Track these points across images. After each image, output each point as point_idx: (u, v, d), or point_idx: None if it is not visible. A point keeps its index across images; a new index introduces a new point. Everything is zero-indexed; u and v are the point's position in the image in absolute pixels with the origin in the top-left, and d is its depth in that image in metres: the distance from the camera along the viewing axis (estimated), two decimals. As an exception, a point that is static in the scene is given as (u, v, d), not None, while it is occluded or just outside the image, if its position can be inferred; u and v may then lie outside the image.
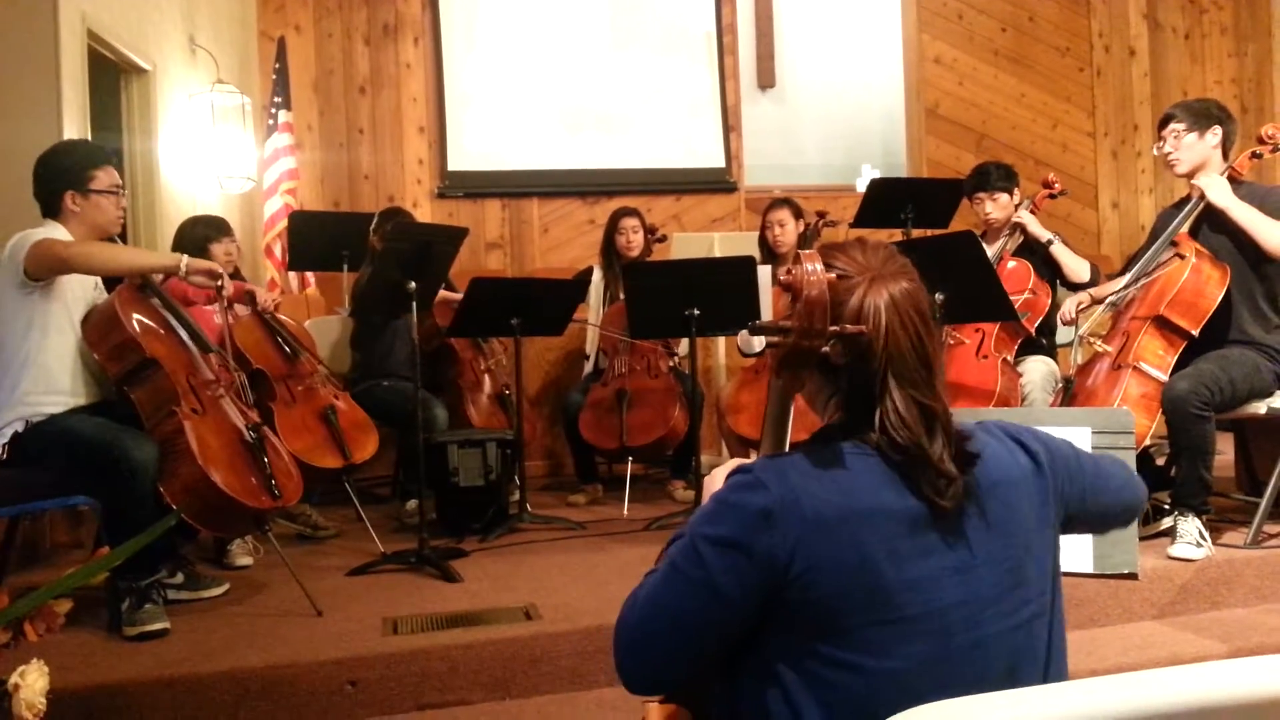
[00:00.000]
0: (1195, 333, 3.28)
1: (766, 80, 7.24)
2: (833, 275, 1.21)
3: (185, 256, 2.95)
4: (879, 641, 1.12)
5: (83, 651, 2.63)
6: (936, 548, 1.15)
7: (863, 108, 7.43)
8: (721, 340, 5.04)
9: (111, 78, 4.62)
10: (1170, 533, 3.16)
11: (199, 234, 3.86)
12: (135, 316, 2.97)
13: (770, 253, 4.63)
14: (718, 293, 3.82)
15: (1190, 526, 3.11)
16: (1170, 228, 3.47)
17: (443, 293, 4.11)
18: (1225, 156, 3.43)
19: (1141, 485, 1.44)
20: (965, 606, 1.15)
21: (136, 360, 2.93)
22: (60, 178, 2.93)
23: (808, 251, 1.22)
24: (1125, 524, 1.44)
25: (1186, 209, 3.45)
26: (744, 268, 3.86)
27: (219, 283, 2.98)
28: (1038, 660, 1.20)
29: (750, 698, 1.17)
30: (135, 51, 4.59)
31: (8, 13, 3.70)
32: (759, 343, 1.32)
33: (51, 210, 2.94)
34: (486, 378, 4.61)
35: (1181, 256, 3.35)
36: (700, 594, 1.16)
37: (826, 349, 1.18)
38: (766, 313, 4.02)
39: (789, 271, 1.20)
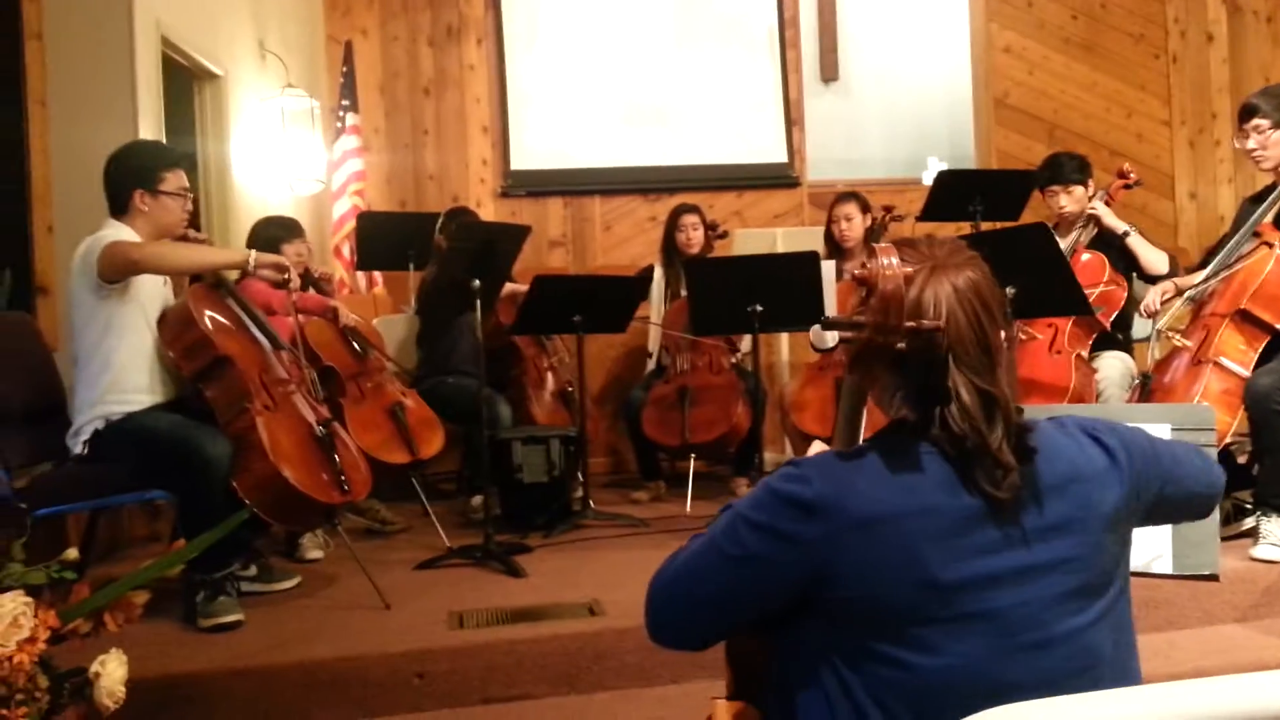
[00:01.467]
0: (1279, 327, 3.16)
1: (829, 73, 7.16)
2: (907, 269, 1.19)
3: (254, 252, 3.00)
4: (932, 639, 1.11)
5: (159, 642, 2.70)
6: (996, 546, 1.13)
7: (928, 99, 7.30)
8: (785, 336, 5.00)
9: (185, 83, 4.74)
10: (1253, 533, 3.06)
11: (271, 234, 3.94)
12: (209, 314, 3.03)
13: (837, 247, 4.57)
14: (781, 289, 3.79)
15: (1274, 527, 3.01)
16: (1253, 218, 3.35)
17: (508, 286, 4.13)
18: (1312, 143, 3.30)
19: (1220, 471, 1.39)
20: (1026, 606, 1.13)
21: (210, 358, 2.99)
22: (131, 176, 2.98)
23: (883, 245, 1.20)
24: (1204, 513, 1.39)
25: (1271, 198, 3.33)
26: (807, 263, 3.83)
27: (285, 275, 3.01)
28: (1104, 661, 1.17)
29: (810, 695, 1.17)
30: (208, 57, 4.69)
31: (85, 20, 3.80)
32: (832, 338, 1.29)
33: (119, 208, 3.00)
34: (549, 375, 4.64)
35: (1267, 247, 3.23)
36: (732, 571, 1.18)
37: (901, 345, 1.16)
38: (830, 308, 3.98)
39: (864, 265, 1.18)
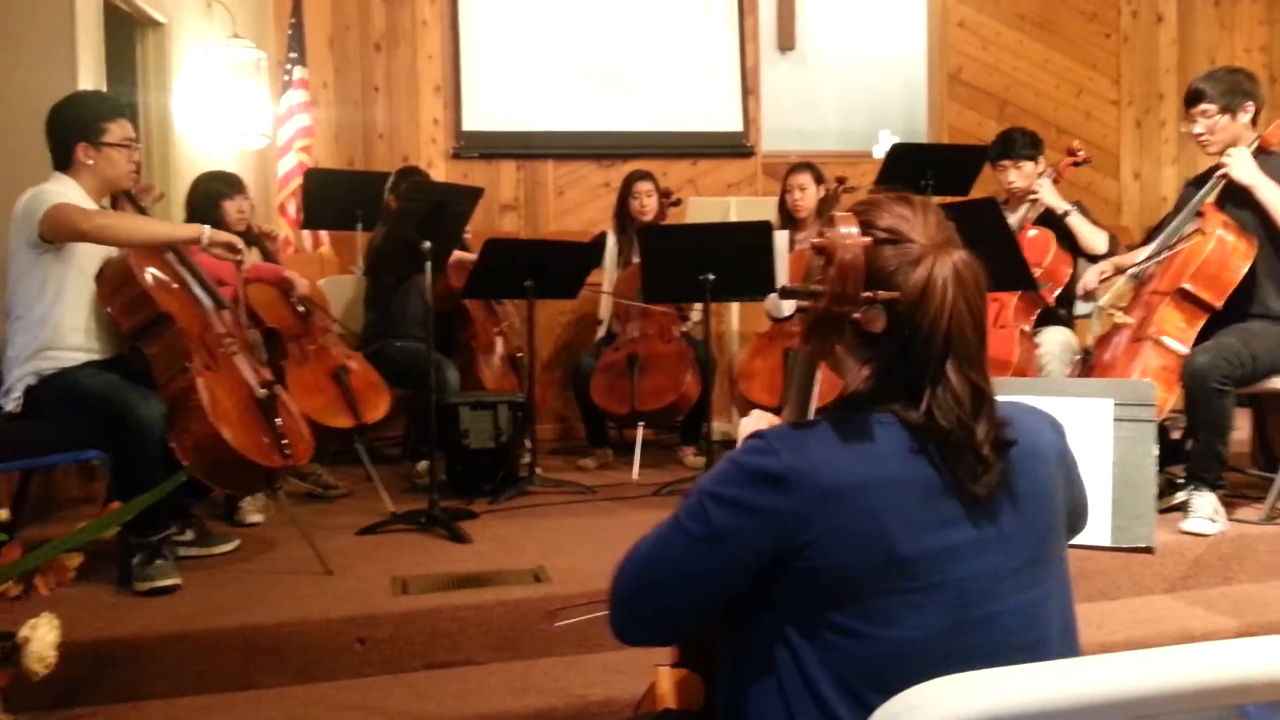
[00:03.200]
0: (1218, 306, 3.23)
1: (786, 42, 7.14)
2: (879, 235, 1.16)
3: (207, 228, 2.92)
4: (891, 611, 1.11)
5: (93, 605, 2.65)
6: (957, 518, 1.13)
7: (883, 72, 7.32)
8: (735, 306, 5.01)
9: (127, 31, 4.58)
10: (1184, 507, 3.14)
11: (212, 190, 3.84)
12: (149, 270, 2.95)
13: (789, 218, 4.58)
14: (733, 258, 3.79)
15: (1205, 501, 3.09)
16: (1196, 198, 3.41)
17: (457, 253, 4.09)
18: (1254, 124, 3.36)
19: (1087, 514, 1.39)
20: (982, 579, 1.14)
21: (150, 315, 2.91)
22: (72, 129, 2.88)
23: (843, 213, 1.17)
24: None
25: (1213, 180, 3.39)
26: (760, 233, 3.83)
27: (239, 256, 2.95)
28: (1053, 636, 1.19)
29: (759, 663, 1.16)
30: (151, 4, 4.54)
31: (21, -37, 3.66)
32: (789, 307, 1.28)
33: (63, 162, 2.91)
34: (499, 340, 4.60)
35: (1206, 229, 3.29)
36: (702, 552, 1.15)
37: (858, 315, 1.15)
38: (782, 278, 3.99)
39: (821, 233, 1.15)
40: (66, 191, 2.84)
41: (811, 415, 1.36)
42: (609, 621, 1.25)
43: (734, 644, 1.21)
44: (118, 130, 2.93)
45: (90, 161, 2.90)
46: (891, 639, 1.10)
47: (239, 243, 2.97)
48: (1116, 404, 2.99)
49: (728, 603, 1.18)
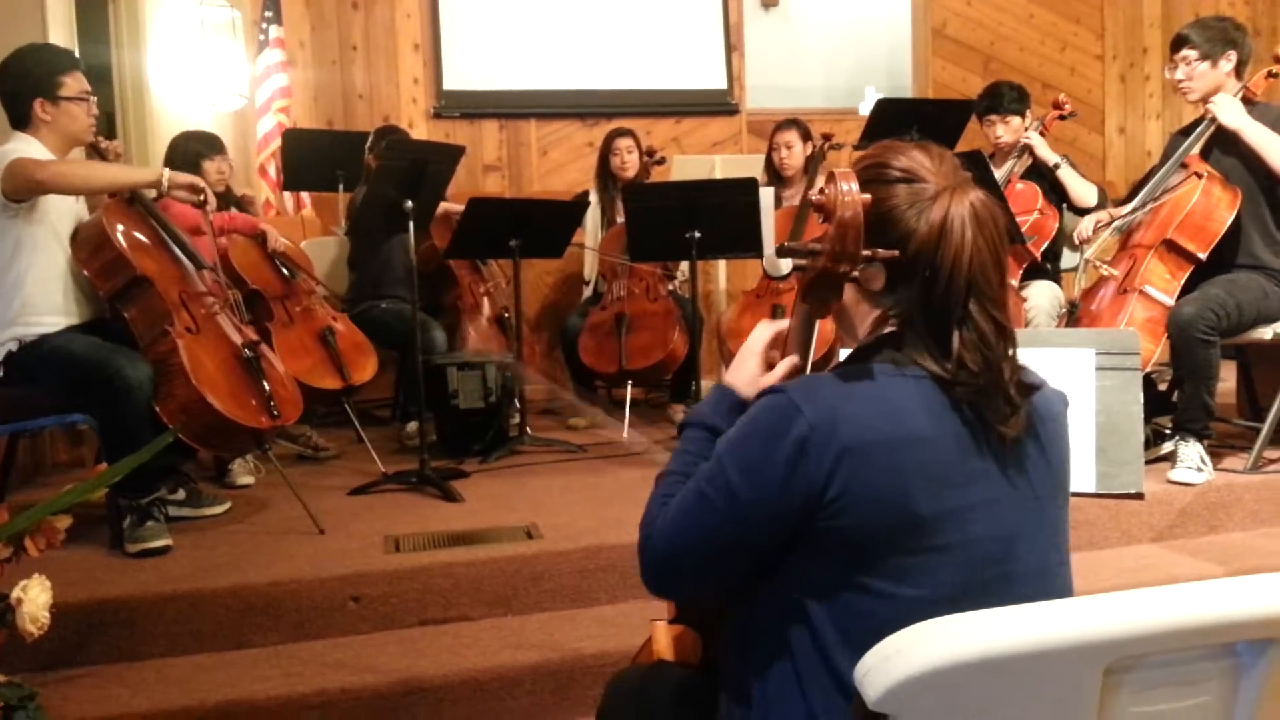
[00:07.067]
0: (1203, 256, 3.24)
1: (770, -3, 7.05)
2: (894, 175, 1.15)
3: (167, 170, 2.85)
4: (907, 569, 1.09)
5: (85, 567, 2.64)
6: (984, 474, 1.12)
7: (867, 27, 7.26)
8: (722, 264, 4.99)
9: (97, -11, 4.49)
10: (1171, 457, 3.17)
11: (191, 150, 3.78)
12: (125, 231, 2.90)
13: (776, 175, 4.56)
14: (719, 215, 3.76)
15: (1191, 451, 3.12)
16: (1181, 150, 3.41)
17: (445, 205, 4.05)
18: (1240, 76, 3.35)
19: None
20: (998, 541, 1.12)
21: (127, 277, 2.88)
22: (27, 85, 2.81)
23: (843, 170, 1.15)
24: None
25: (1198, 130, 3.39)
26: (746, 190, 3.80)
27: (201, 197, 2.89)
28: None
29: (767, 618, 1.16)
30: (121, -38, 4.45)
31: (-13, -82, 3.56)
32: (786, 265, 1.27)
33: (20, 121, 2.83)
34: (485, 300, 4.57)
35: (1194, 178, 3.29)
36: (729, 520, 1.13)
37: (856, 273, 1.13)
38: (769, 235, 3.98)
39: (822, 191, 1.13)
40: (29, 150, 2.77)
41: (809, 370, 1.35)
42: (642, 579, 1.24)
43: (742, 611, 1.20)
44: (74, 84, 2.85)
45: (48, 117, 2.82)
46: (906, 597, 1.08)
47: (200, 182, 2.89)
48: (1099, 353, 2.99)
49: (762, 559, 1.15)
